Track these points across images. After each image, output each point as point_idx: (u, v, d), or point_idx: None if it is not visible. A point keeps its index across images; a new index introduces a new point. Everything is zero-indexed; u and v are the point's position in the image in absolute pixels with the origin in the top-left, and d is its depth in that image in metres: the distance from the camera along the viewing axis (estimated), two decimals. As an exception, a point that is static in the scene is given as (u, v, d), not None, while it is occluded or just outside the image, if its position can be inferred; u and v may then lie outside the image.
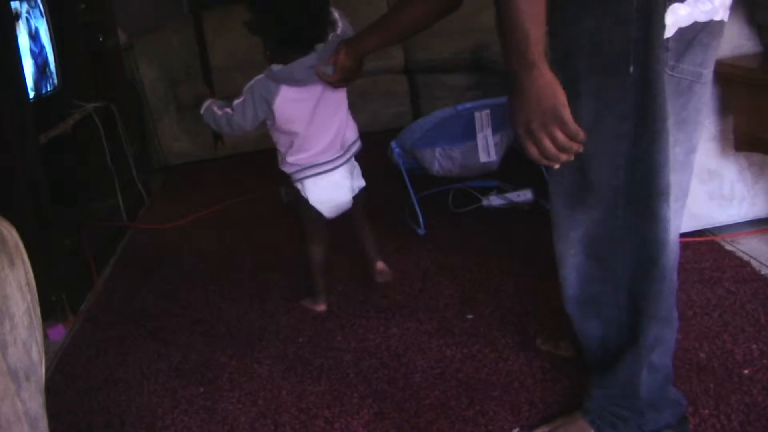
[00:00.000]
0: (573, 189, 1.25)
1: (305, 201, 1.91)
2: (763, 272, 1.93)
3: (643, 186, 1.19)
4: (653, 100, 1.14)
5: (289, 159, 1.88)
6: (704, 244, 2.12)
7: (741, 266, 1.97)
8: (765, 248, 2.06)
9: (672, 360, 1.35)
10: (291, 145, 1.87)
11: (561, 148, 1.08)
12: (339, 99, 1.88)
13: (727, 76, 1.91)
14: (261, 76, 1.81)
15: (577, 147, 1.09)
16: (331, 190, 1.90)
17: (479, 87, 3.97)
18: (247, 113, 1.81)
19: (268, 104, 1.80)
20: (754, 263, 1.98)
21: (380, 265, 2.07)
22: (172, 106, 4.02)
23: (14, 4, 2.19)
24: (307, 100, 1.81)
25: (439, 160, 2.46)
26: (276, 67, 1.78)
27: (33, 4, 2.40)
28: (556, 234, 1.30)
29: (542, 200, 2.61)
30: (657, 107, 1.14)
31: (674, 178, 1.21)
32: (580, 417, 1.38)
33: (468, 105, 2.37)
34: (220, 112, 1.85)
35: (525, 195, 2.65)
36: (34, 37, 2.39)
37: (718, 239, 2.14)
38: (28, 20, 2.34)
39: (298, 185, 1.91)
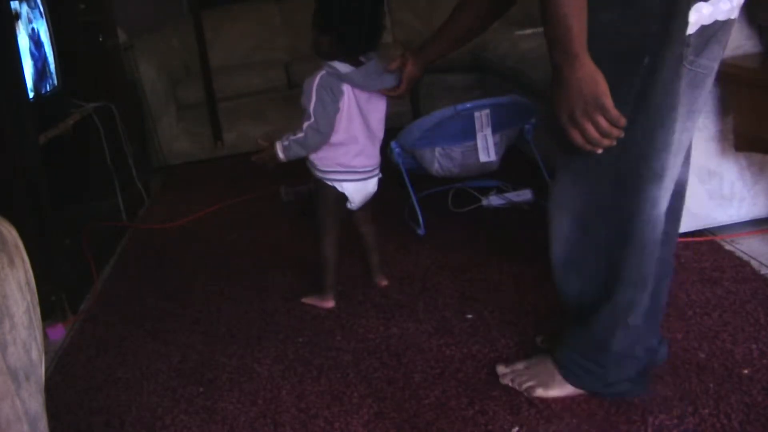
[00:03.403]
0: (573, 163, 1.30)
1: (330, 191, 1.93)
2: (762, 272, 1.93)
3: (635, 167, 1.25)
4: (658, 91, 1.20)
5: (330, 159, 1.90)
6: (704, 244, 2.12)
7: (741, 266, 1.97)
8: (765, 248, 2.06)
9: (644, 320, 1.39)
10: (331, 145, 1.88)
11: (603, 134, 1.15)
12: (383, 113, 1.94)
13: (727, 76, 1.91)
14: (321, 73, 1.81)
15: (617, 132, 1.15)
16: (365, 184, 1.96)
17: (479, 87, 3.97)
18: (328, 109, 1.81)
19: (338, 100, 1.82)
20: (753, 263, 1.98)
21: (383, 283, 2.13)
22: (172, 106, 4.02)
23: (14, 5, 2.19)
24: (361, 105, 1.87)
25: (439, 159, 2.45)
26: (343, 68, 1.81)
27: (33, 4, 2.39)
28: (551, 197, 1.37)
29: (542, 200, 2.61)
30: (662, 98, 1.20)
31: (676, 161, 1.29)
32: (551, 361, 1.49)
33: (468, 105, 2.36)
34: (297, 135, 1.83)
35: (525, 195, 2.65)
36: (34, 37, 2.39)
37: (717, 239, 2.14)
38: (28, 20, 2.34)
39: (330, 182, 1.92)
